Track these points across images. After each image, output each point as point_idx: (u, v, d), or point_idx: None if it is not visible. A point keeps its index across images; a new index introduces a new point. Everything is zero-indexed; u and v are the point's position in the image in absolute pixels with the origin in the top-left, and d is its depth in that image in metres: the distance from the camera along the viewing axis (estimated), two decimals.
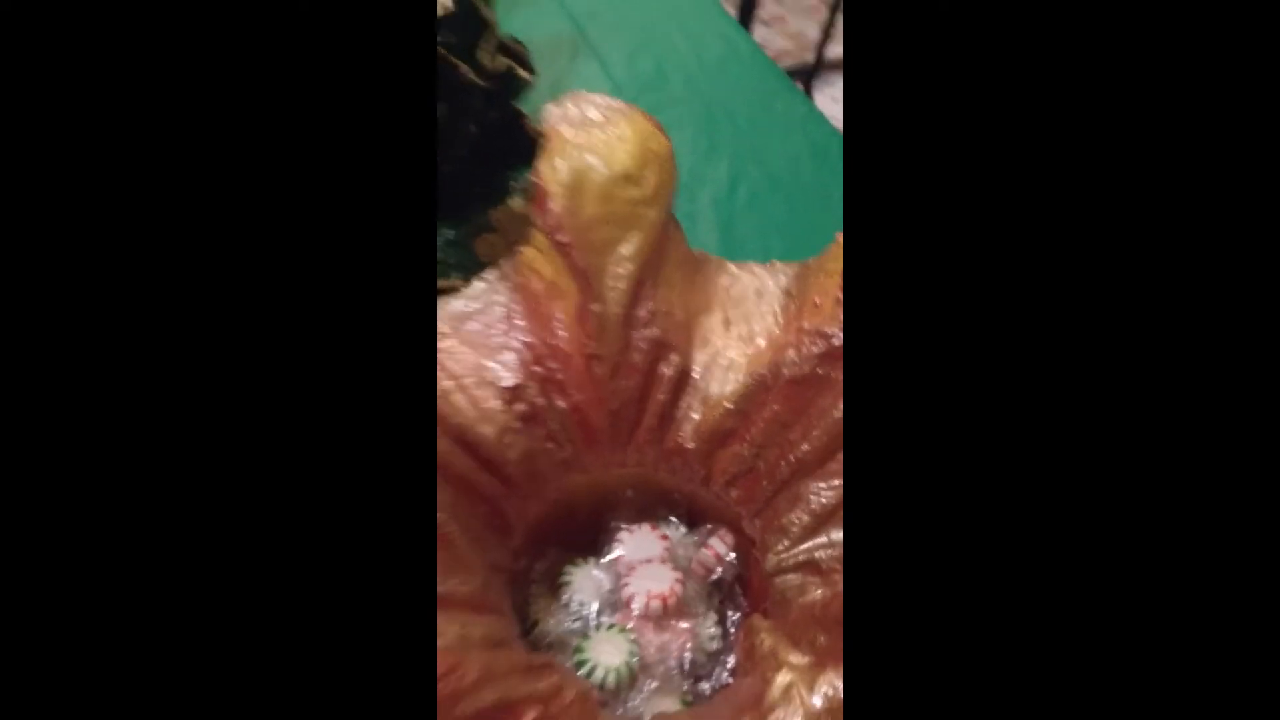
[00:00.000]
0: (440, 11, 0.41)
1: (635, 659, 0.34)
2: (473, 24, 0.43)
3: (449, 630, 0.28)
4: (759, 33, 1.35)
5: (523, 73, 0.44)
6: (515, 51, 0.47)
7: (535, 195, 0.34)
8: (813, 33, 1.49)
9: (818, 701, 0.26)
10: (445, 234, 0.44)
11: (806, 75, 1.33)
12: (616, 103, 0.35)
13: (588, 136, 0.34)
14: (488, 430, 0.33)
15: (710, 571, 0.37)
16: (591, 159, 0.33)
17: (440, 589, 0.28)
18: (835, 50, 1.30)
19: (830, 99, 1.36)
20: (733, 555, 0.37)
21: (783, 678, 0.27)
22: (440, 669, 0.24)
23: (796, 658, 0.27)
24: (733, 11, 1.12)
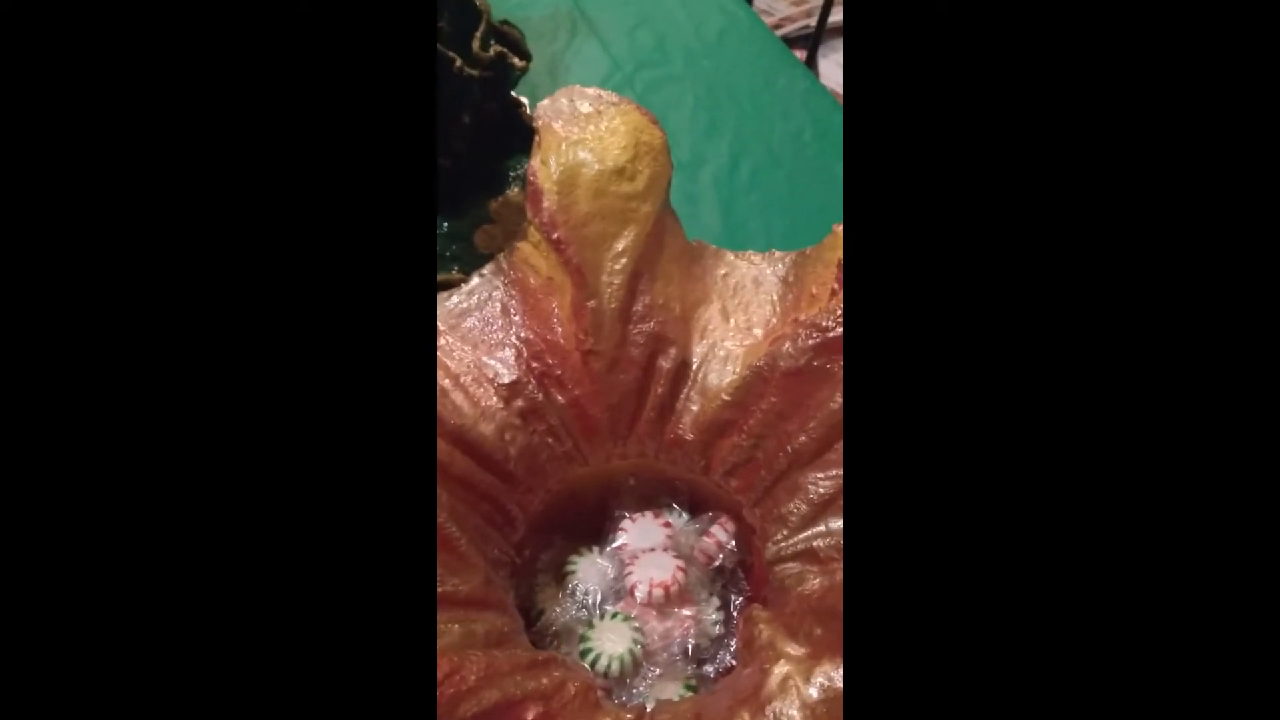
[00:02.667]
0: None
1: (639, 646, 0.34)
2: (467, 12, 0.43)
3: (452, 630, 0.28)
4: None
5: (516, 60, 0.44)
6: (509, 37, 0.46)
7: (529, 193, 0.34)
8: None
9: (814, 693, 0.26)
10: (443, 226, 0.44)
11: (810, 42, 1.30)
12: (609, 95, 0.34)
13: (579, 131, 0.33)
14: (487, 428, 0.33)
15: (712, 559, 0.37)
16: (583, 154, 0.33)
17: (441, 589, 0.29)
18: (839, 16, 1.27)
19: (834, 64, 1.34)
20: (733, 542, 0.37)
21: (780, 669, 0.27)
22: (441, 672, 0.25)
23: (794, 649, 0.28)
24: None
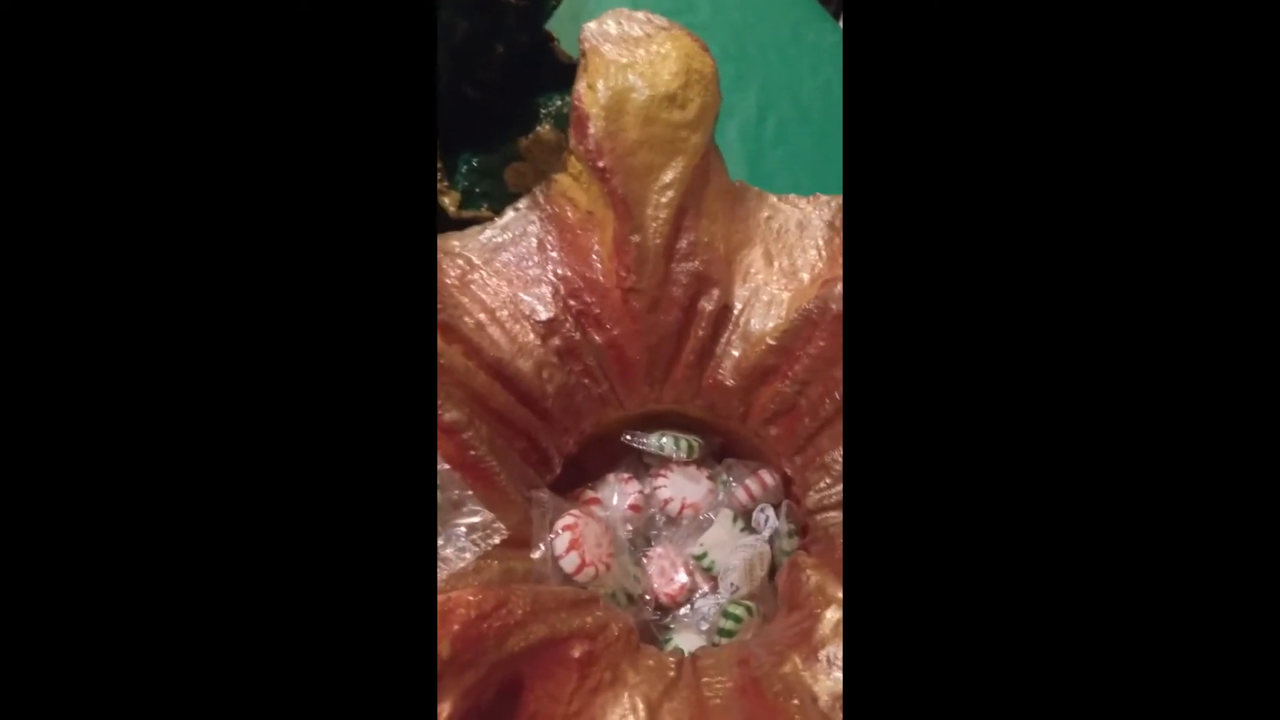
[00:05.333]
0: None
1: (636, 584, 0.34)
2: None
3: (491, 567, 0.27)
4: None
5: None
6: None
7: (574, 118, 0.32)
8: None
9: None
10: (473, 163, 0.42)
11: (835, 4, 1.27)
12: (659, 19, 0.33)
13: (629, 54, 0.32)
14: (525, 364, 0.32)
15: (755, 499, 0.36)
16: (633, 78, 0.31)
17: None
18: None
19: None
20: (777, 483, 0.36)
21: (832, 614, 0.26)
22: (489, 604, 0.23)
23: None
24: None
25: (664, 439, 0.37)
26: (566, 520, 0.31)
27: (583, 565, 0.30)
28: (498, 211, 0.37)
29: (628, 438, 0.37)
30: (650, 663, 0.27)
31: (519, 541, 0.29)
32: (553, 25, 0.49)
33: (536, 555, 0.29)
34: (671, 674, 0.27)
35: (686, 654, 0.30)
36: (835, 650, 0.25)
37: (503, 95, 0.43)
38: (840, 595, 0.27)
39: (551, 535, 0.30)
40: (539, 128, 0.44)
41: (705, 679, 0.27)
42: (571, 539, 0.30)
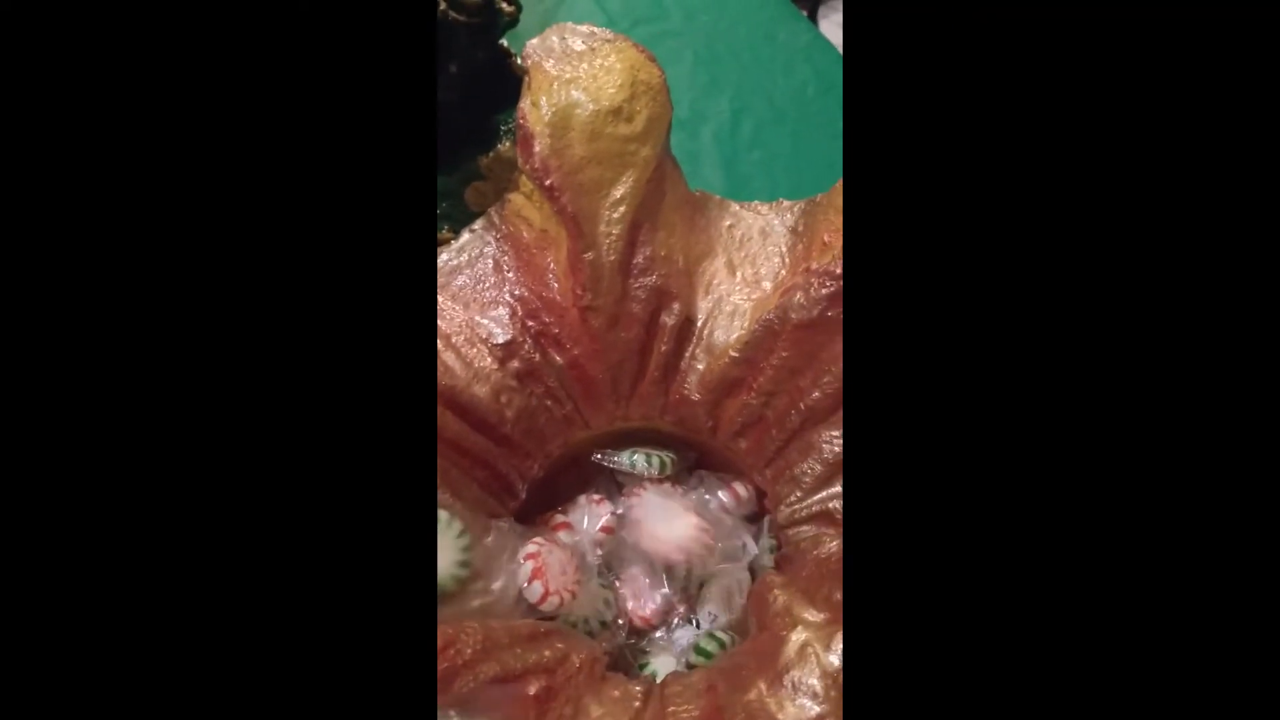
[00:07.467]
0: None
1: (609, 609, 0.33)
2: None
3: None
4: None
5: (505, 5, 0.41)
6: None
7: (519, 137, 0.32)
8: None
9: (834, 660, 0.25)
10: None
11: (809, 2, 1.27)
12: (602, 32, 0.32)
13: (572, 70, 0.31)
14: (481, 390, 0.31)
15: (729, 512, 0.35)
16: (576, 94, 0.31)
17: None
18: None
19: (835, 25, 1.30)
20: (751, 496, 0.36)
21: (797, 636, 0.25)
22: (437, 644, 0.23)
23: (812, 614, 0.26)
24: None
25: (635, 456, 0.36)
26: (529, 549, 0.30)
27: (546, 594, 0.29)
28: (458, 232, 0.37)
29: (598, 457, 0.36)
30: (616, 693, 0.27)
31: (478, 574, 0.28)
32: (519, 38, 0.49)
33: (496, 587, 0.28)
34: (637, 704, 0.26)
35: (659, 680, 0.29)
36: (801, 675, 0.25)
37: (461, 114, 0.42)
38: (807, 616, 0.26)
39: (513, 565, 0.29)
40: (500, 145, 0.43)
41: (671, 708, 0.26)
42: (534, 568, 0.29)
